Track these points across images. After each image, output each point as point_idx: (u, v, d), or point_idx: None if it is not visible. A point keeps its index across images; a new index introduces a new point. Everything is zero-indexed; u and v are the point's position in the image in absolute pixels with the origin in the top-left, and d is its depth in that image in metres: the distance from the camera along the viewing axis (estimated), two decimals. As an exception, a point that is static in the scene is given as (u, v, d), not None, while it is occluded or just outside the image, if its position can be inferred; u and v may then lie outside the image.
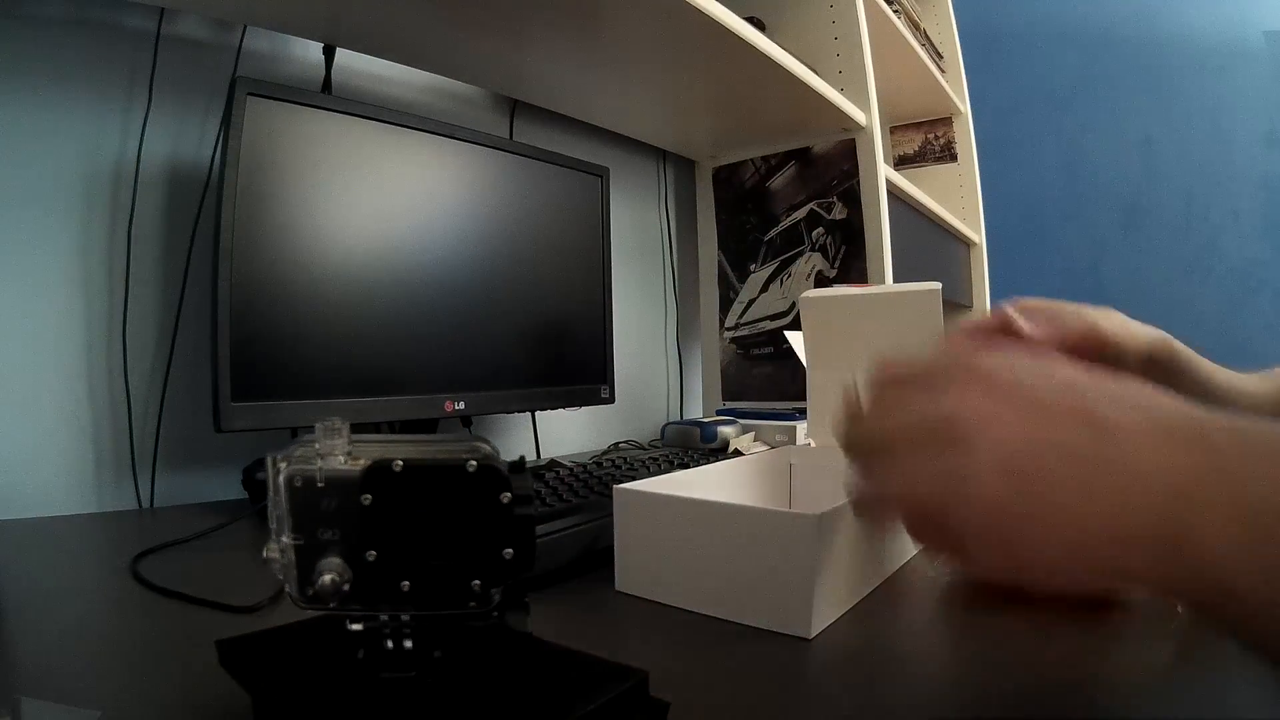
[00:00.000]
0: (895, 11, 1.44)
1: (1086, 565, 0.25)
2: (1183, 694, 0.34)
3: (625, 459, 0.77)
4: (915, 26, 1.61)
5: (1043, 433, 0.25)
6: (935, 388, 0.28)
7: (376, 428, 0.77)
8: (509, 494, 0.27)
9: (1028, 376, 0.27)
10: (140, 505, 0.73)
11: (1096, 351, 0.41)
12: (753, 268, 1.34)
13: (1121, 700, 0.34)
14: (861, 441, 0.30)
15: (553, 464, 0.79)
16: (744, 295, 1.35)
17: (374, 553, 0.26)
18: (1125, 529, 0.23)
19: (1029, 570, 0.26)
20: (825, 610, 0.41)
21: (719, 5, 0.85)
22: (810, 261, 1.26)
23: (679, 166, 1.45)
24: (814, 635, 0.40)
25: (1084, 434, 0.24)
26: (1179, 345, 0.46)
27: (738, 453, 1.00)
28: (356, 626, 0.27)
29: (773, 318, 1.31)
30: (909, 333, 0.64)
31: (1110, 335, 0.42)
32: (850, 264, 1.22)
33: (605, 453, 0.99)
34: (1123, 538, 0.23)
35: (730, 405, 1.34)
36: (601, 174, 1.05)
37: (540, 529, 0.50)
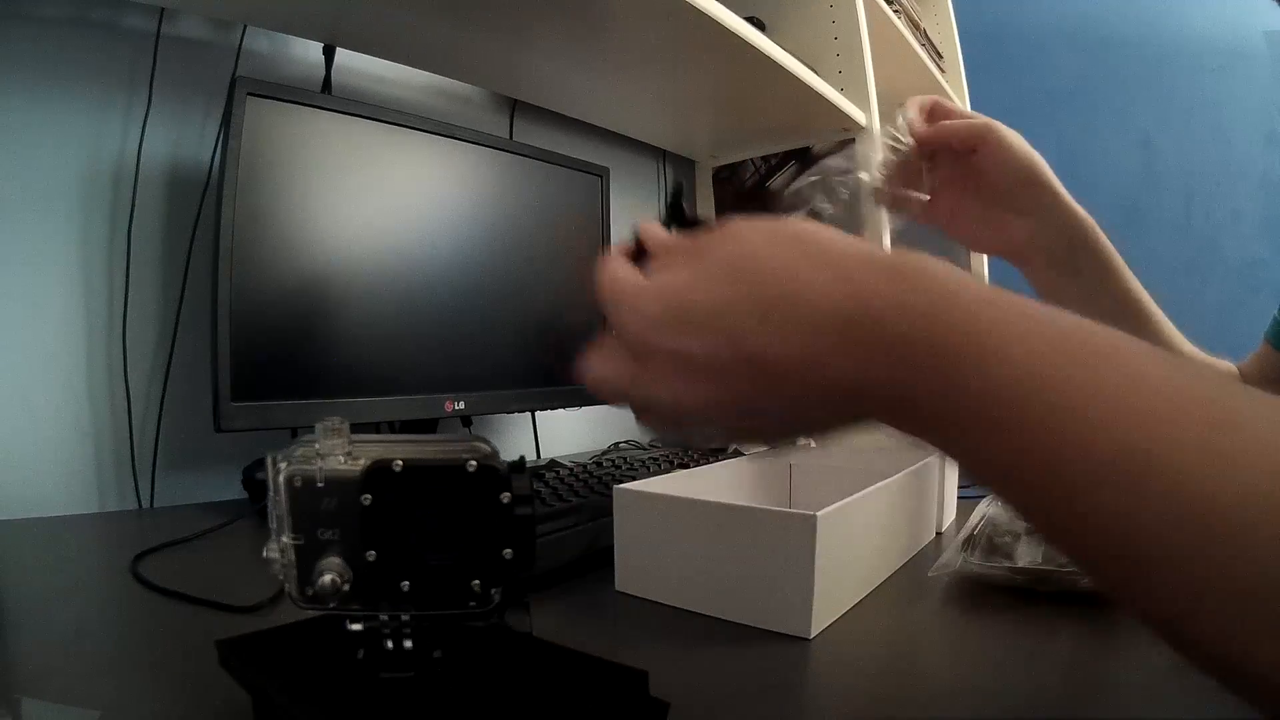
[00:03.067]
0: (895, 11, 1.43)
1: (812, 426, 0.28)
2: (1183, 694, 0.34)
3: (625, 459, 0.77)
4: (915, 26, 1.61)
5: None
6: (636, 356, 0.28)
7: (376, 428, 0.77)
8: (509, 494, 0.27)
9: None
10: (140, 505, 0.73)
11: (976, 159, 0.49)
12: (753, 268, 1.33)
13: (1122, 700, 0.34)
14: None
15: (553, 464, 0.79)
16: (744, 295, 1.35)
17: (374, 553, 0.26)
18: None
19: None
20: (825, 610, 0.41)
21: (719, 5, 0.85)
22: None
23: (679, 166, 1.44)
24: (814, 635, 0.40)
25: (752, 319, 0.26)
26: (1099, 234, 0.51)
27: (738, 453, 1.00)
28: (356, 626, 0.27)
29: (773, 318, 1.30)
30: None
31: (996, 145, 0.49)
32: (850, 264, 1.21)
33: (605, 453, 0.99)
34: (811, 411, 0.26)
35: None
36: (601, 174, 1.05)
37: (540, 529, 0.50)
